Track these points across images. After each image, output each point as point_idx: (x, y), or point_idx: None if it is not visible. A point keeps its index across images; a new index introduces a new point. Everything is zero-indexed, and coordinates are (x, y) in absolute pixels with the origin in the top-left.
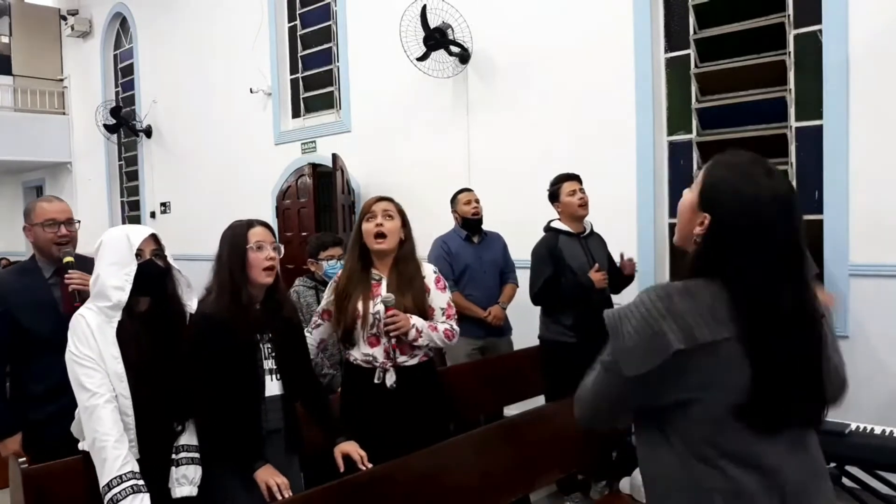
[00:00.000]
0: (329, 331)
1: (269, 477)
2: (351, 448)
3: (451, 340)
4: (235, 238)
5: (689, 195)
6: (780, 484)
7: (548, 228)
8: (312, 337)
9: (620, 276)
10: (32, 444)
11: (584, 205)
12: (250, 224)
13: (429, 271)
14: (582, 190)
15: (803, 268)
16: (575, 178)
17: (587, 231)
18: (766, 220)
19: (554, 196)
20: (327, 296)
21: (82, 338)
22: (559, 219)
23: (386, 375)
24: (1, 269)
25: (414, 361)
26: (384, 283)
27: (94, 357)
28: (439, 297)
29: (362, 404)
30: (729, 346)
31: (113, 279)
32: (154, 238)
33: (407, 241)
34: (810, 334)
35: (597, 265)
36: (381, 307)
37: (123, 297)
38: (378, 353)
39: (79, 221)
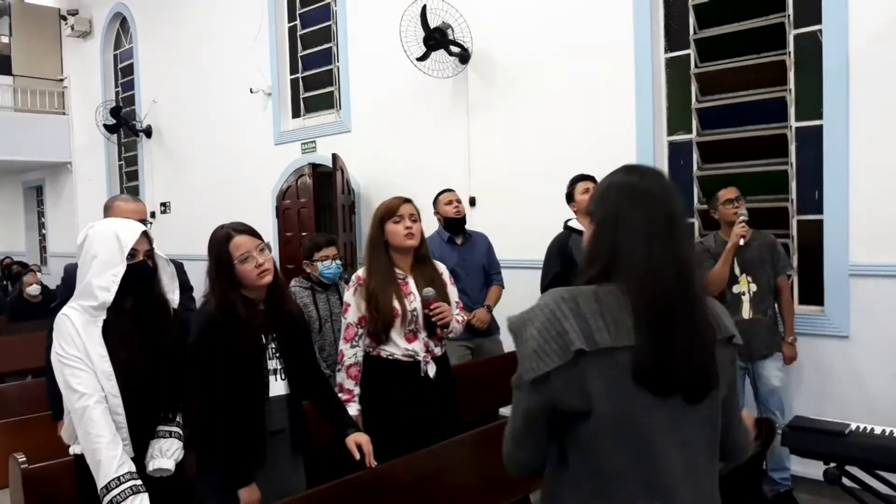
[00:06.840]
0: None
1: (251, 496)
2: (363, 440)
3: (462, 330)
4: (219, 255)
5: None
6: None
7: (564, 226)
8: (360, 347)
9: None
10: None
11: None
12: (229, 237)
13: (444, 268)
14: None
15: (683, 249)
16: (590, 178)
17: None
18: (619, 207)
19: (570, 196)
20: (354, 302)
21: (67, 338)
22: (576, 218)
23: (428, 367)
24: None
25: (441, 352)
26: (411, 280)
27: (80, 357)
28: (453, 292)
29: (409, 398)
30: (626, 355)
31: (99, 279)
32: (146, 236)
33: (423, 241)
34: (698, 319)
35: None
36: (418, 304)
37: (109, 297)
38: (417, 347)
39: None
